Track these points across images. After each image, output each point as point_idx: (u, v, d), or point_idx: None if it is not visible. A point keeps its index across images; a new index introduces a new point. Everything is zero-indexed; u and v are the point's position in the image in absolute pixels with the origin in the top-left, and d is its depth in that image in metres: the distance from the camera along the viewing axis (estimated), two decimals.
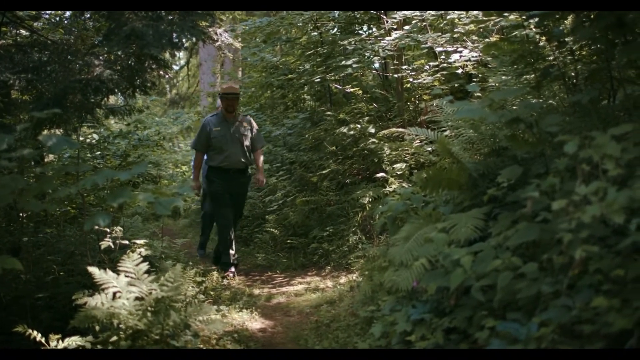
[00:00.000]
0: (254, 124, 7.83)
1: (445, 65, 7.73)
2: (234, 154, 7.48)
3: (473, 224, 3.54)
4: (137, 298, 4.10)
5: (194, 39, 5.81)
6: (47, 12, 6.64)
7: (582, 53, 4.63)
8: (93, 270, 4.14)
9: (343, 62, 8.49)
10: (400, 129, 7.53)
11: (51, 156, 8.04)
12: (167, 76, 6.75)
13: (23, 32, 6.23)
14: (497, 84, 5.74)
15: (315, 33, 9.81)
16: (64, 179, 6.70)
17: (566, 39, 4.36)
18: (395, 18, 8.47)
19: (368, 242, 7.40)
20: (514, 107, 4.34)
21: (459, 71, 7.59)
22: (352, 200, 8.03)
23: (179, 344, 3.98)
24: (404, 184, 7.16)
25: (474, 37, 7.99)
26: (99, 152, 8.99)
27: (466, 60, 7.50)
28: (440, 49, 7.86)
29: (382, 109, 9.41)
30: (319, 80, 8.90)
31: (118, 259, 4.58)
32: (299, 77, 9.68)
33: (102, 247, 5.18)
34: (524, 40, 4.73)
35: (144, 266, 4.38)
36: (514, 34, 5.15)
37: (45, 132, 5.51)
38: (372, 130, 8.36)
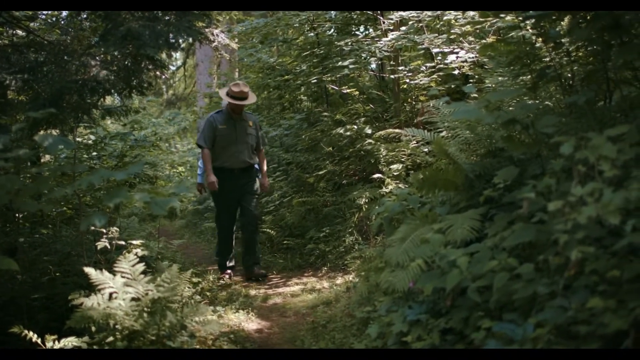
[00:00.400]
0: (259, 123, 7.71)
1: (441, 66, 7.73)
2: (239, 153, 7.29)
3: (469, 224, 3.55)
4: (133, 299, 4.10)
5: (190, 40, 5.81)
6: (44, 12, 6.64)
7: (578, 54, 4.63)
8: (89, 270, 4.14)
9: (340, 63, 8.49)
10: (396, 130, 7.53)
11: (47, 157, 8.03)
12: (163, 77, 6.72)
13: (19, 32, 6.22)
14: (493, 85, 5.74)
15: (312, 34, 9.82)
16: (60, 180, 6.70)
17: (562, 40, 4.36)
18: (391, 19, 8.47)
19: (364, 243, 7.41)
20: (511, 108, 4.35)
21: (456, 72, 7.59)
22: (349, 201, 8.03)
23: (175, 344, 3.98)
24: (400, 185, 7.17)
25: (471, 38, 7.99)
26: (95, 153, 8.98)
27: (463, 61, 7.50)
28: (437, 50, 7.86)
29: (378, 109, 9.42)
30: (315, 81, 8.90)
31: (114, 260, 4.58)
32: (296, 78, 9.68)
33: (99, 247, 5.18)
34: (520, 41, 4.73)
35: (141, 267, 4.38)
36: (510, 35, 5.16)
37: (42, 132, 5.51)
38: (369, 131, 8.36)
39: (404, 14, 8.17)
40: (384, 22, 8.70)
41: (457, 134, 5.11)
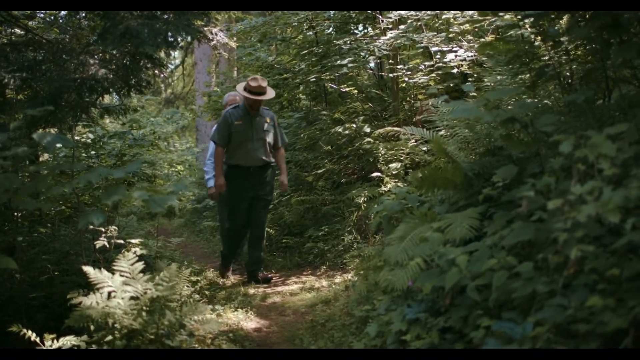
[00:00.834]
0: (276, 120, 7.40)
1: (440, 64, 7.73)
2: (255, 150, 7.02)
3: (468, 223, 3.54)
4: (132, 297, 4.10)
5: (189, 38, 5.82)
6: (42, 11, 6.63)
7: (577, 53, 4.63)
8: (88, 269, 4.14)
9: (338, 62, 8.49)
10: (395, 129, 7.54)
11: (46, 155, 8.03)
12: (162, 75, 6.70)
13: (18, 31, 6.22)
14: (492, 84, 5.74)
15: (311, 32, 9.82)
16: (58, 179, 6.69)
17: (561, 39, 4.36)
18: (390, 18, 8.47)
19: (363, 242, 7.41)
20: (509, 107, 4.35)
21: (455, 71, 7.59)
22: (348, 200, 8.03)
23: (174, 343, 3.98)
24: (399, 184, 7.17)
25: (470, 37, 8.00)
26: (94, 152, 8.98)
27: (461, 60, 7.50)
28: (436, 48, 7.86)
29: (377, 108, 9.42)
30: (314, 79, 8.90)
31: (113, 259, 4.57)
32: (294, 77, 9.67)
33: (97, 246, 5.17)
34: (519, 39, 4.73)
35: (139, 265, 4.37)
36: (509, 33, 5.16)
37: (40, 131, 5.50)
38: (368, 130, 8.36)
39: (403, 12, 8.17)
40: (382, 21, 8.70)
41: (456, 132, 5.11)
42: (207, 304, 4.99)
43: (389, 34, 8.10)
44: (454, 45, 7.79)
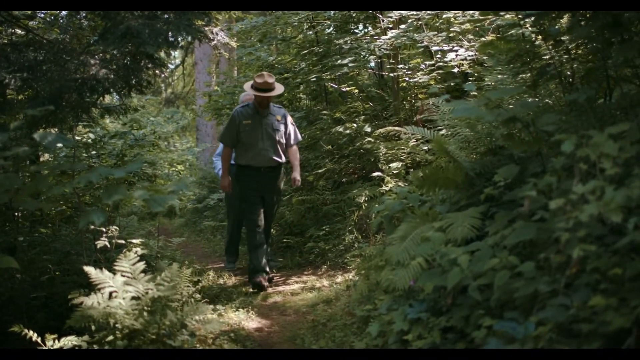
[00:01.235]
0: (289, 118, 7.15)
1: (441, 64, 7.72)
2: (265, 150, 6.82)
3: (470, 223, 3.54)
4: (133, 297, 4.09)
5: (189, 38, 5.81)
6: (43, 11, 6.63)
7: (578, 52, 4.63)
8: (89, 269, 4.14)
9: (339, 61, 8.48)
10: (396, 128, 7.53)
11: (47, 156, 8.03)
12: (162, 75, 6.67)
13: (18, 31, 6.22)
14: (493, 83, 5.73)
15: (311, 32, 9.81)
16: (59, 178, 6.70)
17: (562, 38, 4.36)
18: (391, 17, 8.46)
19: (364, 241, 7.40)
20: (511, 106, 4.34)
21: (455, 70, 7.58)
22: (348, 200, 8.02)
23: (175, 343, 3.98)
24: (400, 183, 7.17)
25: (470, 36, 7.99)
26: (94, 152, 8.97)
27: (462, 59, 7.49)
28: (436, 48, 7.85)
29: (378, 108, 9.42)
30: (314, 79, 8.88)
31: (114, 259, 4.57)
32: (295, 76, 9.65)
33: (98, 246, 5.17)
34: (520, 39, 4.73)
35: (141, 265, 4.37)
36: (510, 32, 5.16)
37: (41, 131, 5.50)
38: (368, 129, 8.36)
39: (404, 12, 8.17)
40: (383, 20, 8.69)
41: (457, 132, 5.11)
42: (209, 304, 4.98)
43: (390, 34, 8.09)
44: (455, 45, 7.79)
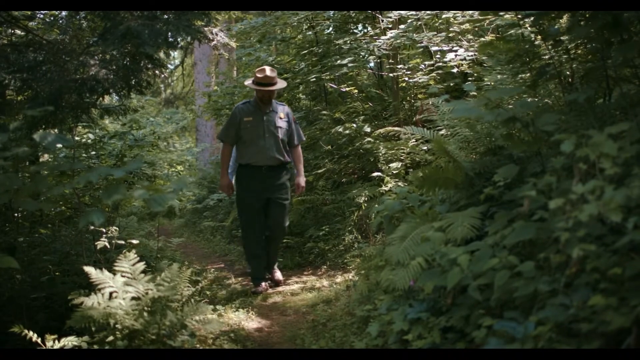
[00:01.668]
0: (292, 116, 6.86)
1: (440, 64, 7.73)
2: (267, 148, 6.49)
3: (470, 222, 3.55)
4: (133, 298, 4.10)
5: (189, 38, 5.81)
6: (42, 11, 6.63)
7: (577, 52, 4.63)
8: (89, 270, 4.14)
9: (338, 62, 8.49)
10: (396, 128, 7.53)
11: (46, 156, 8.03)
12: (162, 76, 6.62)
13: (18, 32, 6.22)
14: (492, 83, 5.74)
15: (310, 32, 9.82)
16: (59, 179, 6.70)
17: (562, 38, 4.36)
18: (390, 17, 8.47)
19: (364, 242, 7.40)
20: (510, 106, 4.34)
21: (455, 70, 7.59)
22: (348, 200, 8.02)
23: (175, 343, 3.98)
24: (400, 183, 7.17)
25: (470, 36, 8.00)
26: (94, 152, 8.97)
27: (462, 60, 7.50)
28: (436, 48, 7.86)
29: (377, 108, 9.42)
30: (314, 79, 8.89)
31: (114, 259, 4.58)
32: (294, 77, 9.66)
33: (98, 247, 5.18)
34: (519, 39, 4.73)
35: (141, 266, 4.38)
36: (509, 32, 5.16)
37: (41, 131, 5.51)
38: (368, 130, 8.35)
39: (403, 12, 8.17)
40: (382, 21, 8.70)
41: (457, 132, 5.11)
42: (209, 304, 4.98)
43: (389, 34, 8.09)
44: (454, 45, 7.79)
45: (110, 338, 3.83)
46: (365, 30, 10.05)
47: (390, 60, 8.94)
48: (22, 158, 3.27)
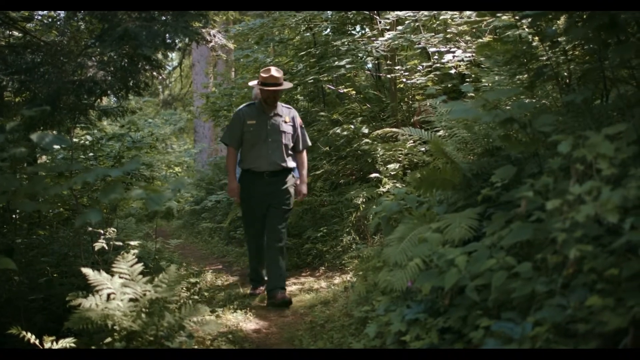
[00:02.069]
0: (298, 120, 6.55)
1: (438, 65, 7.74)
2: (270, 153, 6.23)
3: (467, 223, 3.55)
4: (131, 299, 4.10)
5: (187, 40, 5.81)
6: (40, 13, 6.63)
7: (575, 53, 4.64)
8: (87, 271, 4.14)
9: (336, 63, 8.49)
10: (393, 129, 7.53)
11: (44, 157, 8.03)
12: (160, 77, 6.57)
13: (16, 33, 6.22)
14: (490, 84, 5.74)
15: (308, 34, 9.82)
16: (57, 181, 6.70)
17: (559, 39, 4.37)
18: (388, 19, 8.47)
19: (362, 243, 7.41)
20: (508, 107, 4.34)
21: (452, 71, 7.60)
22: (346, 201, 8.03)
23: (173, 345, 3.98)
24: (397, 184, 7.17)
25: (467, 38, 8.00)
26: (92, 154, 8.96)
27: (459, 61, 7.50)
28: (434, 49, 7.86)
29: (375, 109, 9.42)
30: (312, 81, 8.88)
31: (112, 261, 4.58)
32: (292, 78, 9.64)
33: (96, 248, 5.18)
34: (517, 40, 4.74)
35: (139, 267, 4.38)
36: (507, 34, 5.16)
37: (38, 132, 5.51)
38: (366, 131, 8.35)
39: (401, 13, 8.18)
40: (380, 22, 8.70)
41: (454, 133, 5.12)
42: (207, 306, 4.98)
43: (387, 35, 8.10)
44: (452, 46, 7.80)
45: (108, 339, 3.83)
46: (363, 32, 10.06)
47: (388, 62, 8.94)
48: (20, 159, 3.28)
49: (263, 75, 6.19)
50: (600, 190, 2.38)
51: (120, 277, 4.24)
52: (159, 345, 3.94)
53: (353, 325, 4.75)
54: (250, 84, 6.74)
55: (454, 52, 7.59)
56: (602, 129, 2.57)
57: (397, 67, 8.47)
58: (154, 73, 6.12)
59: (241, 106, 6.60)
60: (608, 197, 2.33)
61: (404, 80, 8.29)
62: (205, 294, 6.44)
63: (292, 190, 6.48)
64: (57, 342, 3.77)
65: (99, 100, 6.13)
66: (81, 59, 5.50)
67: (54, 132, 5.90)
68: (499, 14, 5.54)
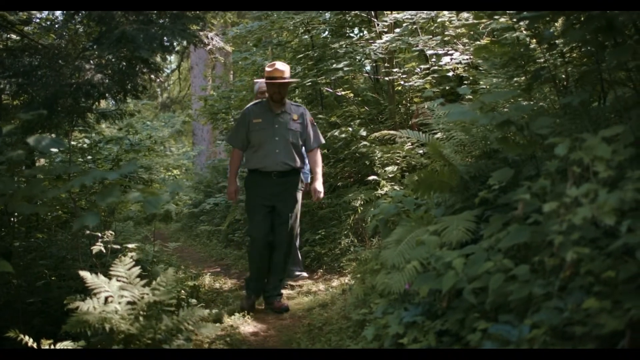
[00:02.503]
0: (308, 117, 6.28)
1: (436, 68, 7.74)
2: (276, 153, 5.95)
3: (464, 226, 3.55)
4: (129, 302, 4.10)
5: (184, 42, 5.81)
6: (38, 16, 6.62)
7: (572, 55, 4.64)
8: (85, 274, 4.14)
9: (334, 65, 8.49)
10: (391, 132, 7.54)
11: (42, 161, 8.03)
12: (158, 80, 6.50)
13: (14, 36, 6.22)
14: (488, 87, 5.75)
15: (306, 36, 9.82)
16: (55, 184, 6.70)
17: (556, 41, 4.37)
18: (386, 21, 8.48)
19: (360, 245, 7.41)
20: (505, 110, 4.35)
21: (450, 74, 7.60)
22: (344, 203, 8.03)
23: (171, 348, 3.98)
24: (395, 187, 7.17)
25: (465, 40, 8.01)
26: (90, 157, 8.97)
27: (457, 63, 7.51)
28: (431, 51, 7.87)
29: (373, 111, 9.43)
30: (310, 83, 8.89)
31: (110, 264, 4.58)
32: None
33: (94, 251, 5.17)
34: (514, 42, 4.74)
35: (136, 270, 4.38)
36: (504, 36, 5.17)
37: (35, 135, 5.50)
38: (364, 133, 8.35)
39: (398, 15, 8.18)
40: (378, 24, 8.71)
41: (452, 135, 5.12)
42: (204, 308, 4.98)
43: (385, 38, 8.11)
44: (450, 49, 7.81)
45: (106, 343, 3.83)
46: (361, 34, 10.07)
47: (386, 64, 8.95)
48: (17, 162, 3.28)
49: (268, 69, 5.99)
50: (597, 193, 2.38)
51: (118, 280, 4.25)
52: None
53: (351, 328, 4.75)
54: (256, 80, 6.64)
55: (451, 54, 7.60)
56: (599, 131, 2.57)
57: (395, 70, 8.47)
58: (152, 76, 6.11)
59: (249, 105, 6.39)
60: (605, 200, 2.33)
61: (402, 82, 8.30)
62: (204, 296, 6.43)
63: (299, 195, 6.25)
64: (54, 346, 3.78)
65: (97, 103, 6.12)
66: (79, 62, 5.50)
67: (52, 135, 5.90)
68: (496, 17, 5.55)
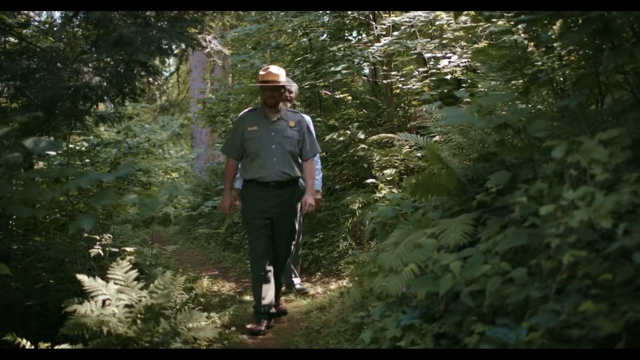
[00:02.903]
0: (306, 124, 5.99)
1: (434, 71, 7.74)
2: (273, 162, 5.63)
3: (462, 229, 3.55)
4: (126, 305, 4.10)
5: (183, 45, 5.81)
6: (36, 19, 6.62)
7: (570, 58, 4.64)
8: (82, 277, 4.14)
9: (332, 68, 8.49)
10: (389, 135, 7.54)
11: (41, 163, 8.02)
12: (156, 83, 6.43)
13: (12, 39, 6.22)
14: (485, 90, 5.75)
15: (305, 39, 9.83)
16: (53, 187, 6.69)
17: (554, 45, 4.38)
18: (384, 24, 8.49)
19: (358, 248, 7.41)
20: (503, 113, 4.36)
21: (448, 77, 7.61)
22: (342, 206, 8.03)
23: None
24: (393, 190, 7.18)
25: (463, 43, 8.01)
26: (88, 160, 8.96)
27: (455, 66, 7.51)
28: (429, 54, 7.87)
29: (371, 114, 9.43)
30: (308, 86, 8.89)
31: (108, 267, 4.57)
32: None
33: (92, 254, 5.17)
34: (512, 45, 4.75)
35: (134, 273, 4.38)
36: (502, 39, 5.18)
37: (33, 138, 5.50)
38: (362, 136, 8.35)
39: (397, 19, 8.19)
40: (376, 27, 8.71)
41: (450, 138, 5.12)
42: (202, 311, 4.98)
43: (383, 41, 8.11)
44: (448, 52, 7.81)
45: (104, 346, 3.83)
46: (360, 37, 10.08)
47: (384, 67, 8.96)
48: (14, 165, 3.27)
49: (261, 73, 5.71)
50: (594, 196, 2.38)
51: (115, 284, 4.25)
52: None
53: (349, 331, 4.75)
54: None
55: (449, 57, 7.61)
56: (597, 134, 2.57)
57: (393, 73, 8.47)
58: (150, 79, 6.10)
59: (244, 111, 6.12)
60: (602, 203, 2.33)
61: (400, 85, 8.30)
62: (201, 299, 6.42)
63: (298, 207, 5.94)
64: (52, 348, 3.78)
65: (95, 106, 6.11)
66: (77, 64, 5.50)
67: (50, 138, 5.89)
68: (494, 20, 5.56)
